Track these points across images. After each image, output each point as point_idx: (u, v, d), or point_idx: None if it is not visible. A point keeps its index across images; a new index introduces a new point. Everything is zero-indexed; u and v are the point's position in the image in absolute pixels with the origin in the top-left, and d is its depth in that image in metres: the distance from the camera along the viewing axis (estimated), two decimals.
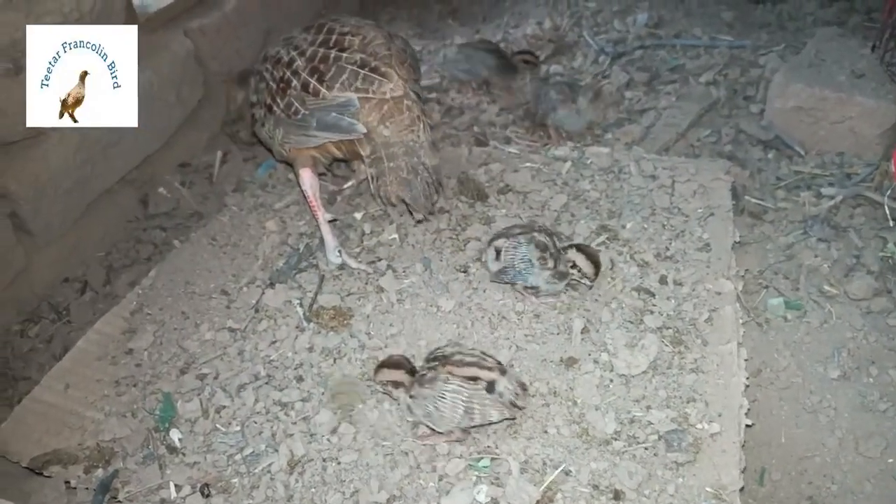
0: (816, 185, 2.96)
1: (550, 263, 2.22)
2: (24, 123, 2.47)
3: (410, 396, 1.90)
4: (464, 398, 1.84)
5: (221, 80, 3.40)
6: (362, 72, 2.32)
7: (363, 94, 2.31)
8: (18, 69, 2.40)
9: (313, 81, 2.35)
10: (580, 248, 2.27)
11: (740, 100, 3.46)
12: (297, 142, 2.43)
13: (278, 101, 2.45)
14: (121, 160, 2.89)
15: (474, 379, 1.86)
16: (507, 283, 2.31)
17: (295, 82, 2.39)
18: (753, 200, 2.88)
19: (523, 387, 1.92)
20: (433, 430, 1.91)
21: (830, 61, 3.24)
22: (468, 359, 1.91)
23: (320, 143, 2.40)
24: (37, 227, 2.59)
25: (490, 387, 1.86)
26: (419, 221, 2.61)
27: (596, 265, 2.25)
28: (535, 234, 2.28)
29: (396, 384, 1.93)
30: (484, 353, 1.95)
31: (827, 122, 3.10)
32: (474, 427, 1.91)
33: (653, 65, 3.73)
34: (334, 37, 2.45)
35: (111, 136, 2.79)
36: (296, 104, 2.39)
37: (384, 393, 2.00)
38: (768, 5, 4.36)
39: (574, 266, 2.24)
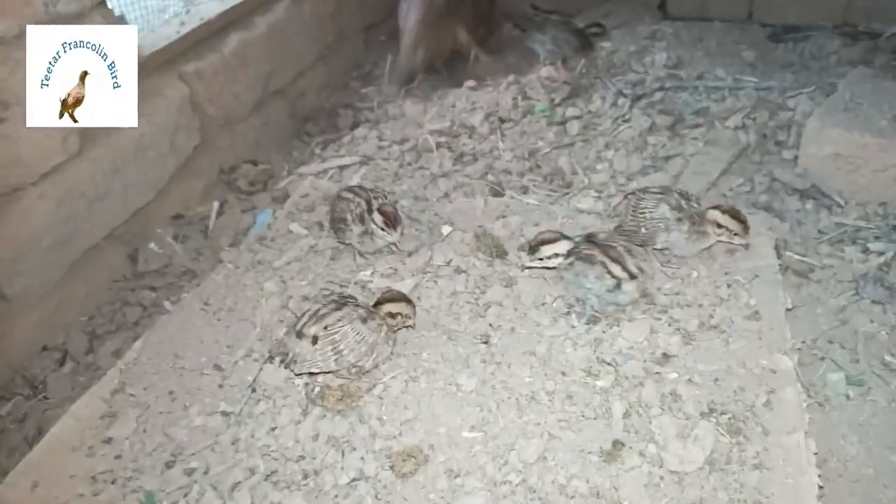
0: (861, 238, 2.73)
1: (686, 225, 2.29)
2: (1, 179, 2.26)
3: None
4: None
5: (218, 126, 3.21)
6: None
7: None
8: None
9: None
10: (717, 207, 2.31)
11: (771, 145, 3.26)
12: None
13: None
14: (108, 215, 2.66)
15: None
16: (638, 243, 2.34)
17: None
18: (796, 257, 2.64)
19: None
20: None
21: (868, 104, 3.05)
22: None
23: None
24: (13, 291, 2.35)
25: None
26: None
27: (741, 220, 2.26)
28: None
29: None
30: None
31: (867, 169, 2.89)
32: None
33: (675, 108, 3.54)
34: None
35: (97, 190, 2.57)
36: None
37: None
38: (790, 44, 4.21)
39: (720, 226, 2.27)
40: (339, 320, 2.02)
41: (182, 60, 3.07)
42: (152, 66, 2.95)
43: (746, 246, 2.38)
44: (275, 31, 3.52)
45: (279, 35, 3.54)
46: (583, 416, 1.94)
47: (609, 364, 2.07)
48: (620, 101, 3.61)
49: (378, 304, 2.11)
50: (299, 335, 2.02)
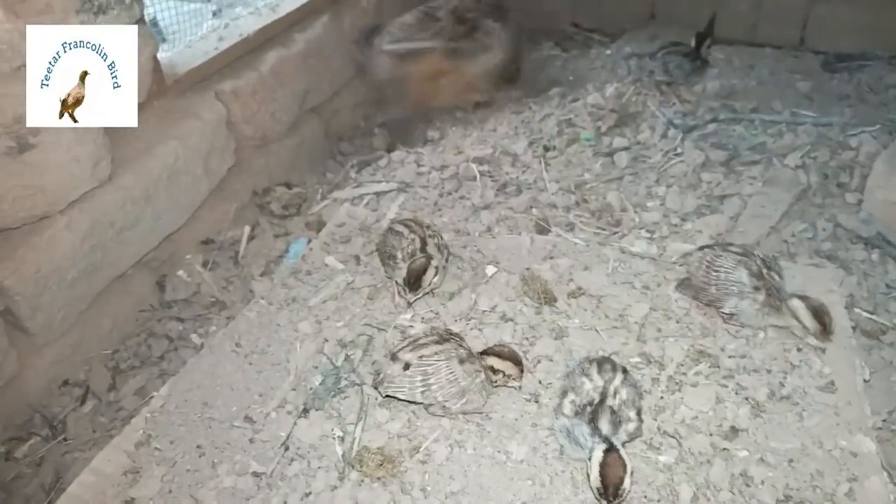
0: None
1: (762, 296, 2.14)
2: (27, 209, 2.14)
3: None
4: None
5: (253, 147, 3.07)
6: None
7: None
8: (22, 147, 2.07)
9: None
10: (803, 298, 2.11)
11: (833, 187, 3.06)
12: None
13: None
14: (137, 243, 2.54)
15: None
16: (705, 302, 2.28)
17: None
18: (865, 314, 2.45)
19: None
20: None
21: None
22: None
23: None
24: (35, 325, 2.23)
25: None
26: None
27: (823, 322, 2.06)
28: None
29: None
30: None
31: None
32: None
33: (729, 142, 3.35)
34: None
35: (127, 218, 2.45)
36: None
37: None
38: (844, 74, 4.00)
39: (797, 320, 2.09)
40: (436, 353, 1.94)
41: (219, 78, 2.95)
42: (188, 85, 2.83)
43: (824, 350, 2.13)
44: (313, 47, 3.38)
45: (317, 52, 3.41)
46: (645, 496, 1.77)
47: (672, 437, 1.90)
48: (671, 132, 3.43)
49: (484, 353, 2.01)
50: (393, 358, 1.98)
